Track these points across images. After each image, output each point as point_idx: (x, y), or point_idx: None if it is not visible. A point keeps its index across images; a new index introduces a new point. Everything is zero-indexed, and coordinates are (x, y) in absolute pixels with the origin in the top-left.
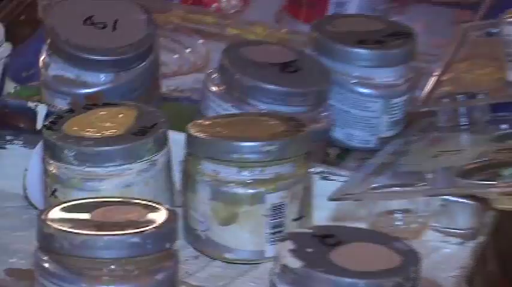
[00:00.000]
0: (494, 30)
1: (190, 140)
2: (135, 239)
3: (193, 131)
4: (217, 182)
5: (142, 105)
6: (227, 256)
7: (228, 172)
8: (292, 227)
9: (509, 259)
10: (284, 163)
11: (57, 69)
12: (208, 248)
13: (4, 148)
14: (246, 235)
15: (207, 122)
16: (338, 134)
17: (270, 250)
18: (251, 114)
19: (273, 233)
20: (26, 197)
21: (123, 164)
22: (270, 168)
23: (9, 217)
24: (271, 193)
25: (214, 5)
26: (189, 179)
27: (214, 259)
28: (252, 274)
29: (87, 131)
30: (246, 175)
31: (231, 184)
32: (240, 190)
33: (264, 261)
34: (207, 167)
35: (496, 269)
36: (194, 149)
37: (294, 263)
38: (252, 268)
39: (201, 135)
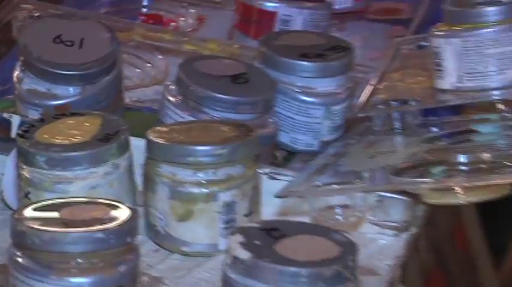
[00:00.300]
0: (424, 44)
1: (150, 145)
2: (100, 235)
3: (152, 136)
4: (174, 183)
5: (106, 115)
6: (184, 249)
7: (184, 174)
8: (243, 222)
9: (442, 251)
10: (235, 165)
11: (30, 83)
12: (167, 242)
13: None
14: (201, 230)
15: (165, 129)
16: (284, 138)
17: (223, 243)
18: (205, 122)
19: (226, 228)
20: (2, 199)
21: (89, 168)
22: (222, 169)
23: None
24: (224, 191)
25: (173, 24)
26: (149, 180)
27: (173, 252)
28: (207, 265)
29: (57, 139)
30: (200, 176)
31: (187, 184)
32: (195, 190)
33: (217, 253)
34: (165, 170)
35: (430, 260)
36: (154, 153)
37: (243, 254)
38: (207, 259)
39: (159, 140)
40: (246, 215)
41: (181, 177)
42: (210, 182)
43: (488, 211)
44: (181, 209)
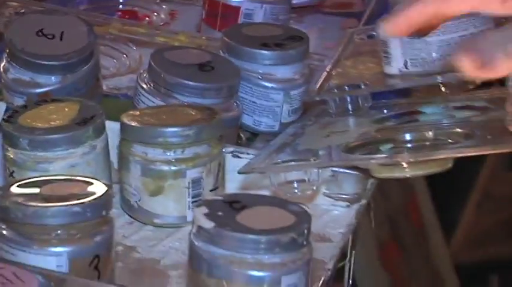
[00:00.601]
0: (374, 33)
1: (124, 128)
2: (77, 209)
3: (126, 120)
4: (146, 161)
5: (84, 101)
6: (156, 221)
7: (154, 153)
8: (209, 196)
9: (396, 224)
10: (201, 144)
11: (15, 73)
12: (141, 215)
13: None
14: (171, 204)
15: (138, 113)
16: (247, 120)
17: (190, 216)
18: (174, 106)
19: (193, 202)
20: None
21: (68, 149)
22: (189, 149)
23: None
24: (191, 169)
25: (147, 18)
26: (123, 159)
27: (146, 224)
28: (176, 235)
29: (38, 123)
30: (170, 154)
31: (158, 163)
32: (165, 167)
33: (186, 225)
34: (138, 149)
35: (385, 232)
36: (127, 134)
37: (207, 224)
38: (177, 230)
39: (132, 123)
40: (211, 190)
41: (152, 156)
42: (178, 160)
43: (439, 186)
44: (153, 185)
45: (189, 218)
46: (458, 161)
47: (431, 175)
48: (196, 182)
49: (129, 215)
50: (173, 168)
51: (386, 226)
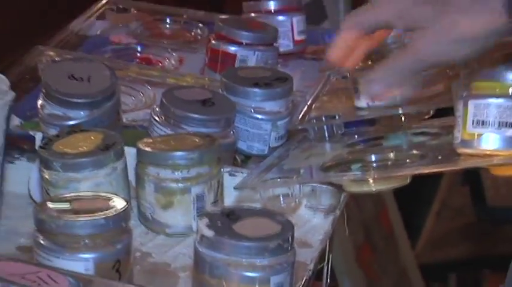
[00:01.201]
0: (347, 74)
1: (140, 152)
2: (101, 221)
3: (141, 146)
4: (158, 180)
5: (106, 131)
6: (167, 231)
7: (165, 173)
8: (209, 209)
9: (370, 230)
10: (203, 166)
11: (50, 109)
12: (154, 226)
13: (13, 163)
14: (179, 216)
15: (151, 140)
16: (242, 145)
17: (195, 226)
18: (181, 134)
19: (198, 214)
20: (30, 196)
21: (94, 170)
22: (193, 169)
23: (18, 209)
24: (195, 186)
25: (159, 64)
26: (139, 179)
27: (159, 233)
28: (184, 243)
29: (69, 149)
30: (177, 174)
31: (168, 181)
32: (174, 185)
33: (192, 233)
34: (151, 170)
35: (360, 237)
36: (142, 158)
37: (209, 233)
38: (185, 238)
39: (146, 148)
40: (212, 203)
41: (163, 176)
42: (184, 179)
43: (405, 198)
44: (164, 200)
45: (195, 228)
46: (420, 177)
47: (398, 189)
48: (200, 197)
49: (144, 225)
50: (180, 185)
51: (362, 231)
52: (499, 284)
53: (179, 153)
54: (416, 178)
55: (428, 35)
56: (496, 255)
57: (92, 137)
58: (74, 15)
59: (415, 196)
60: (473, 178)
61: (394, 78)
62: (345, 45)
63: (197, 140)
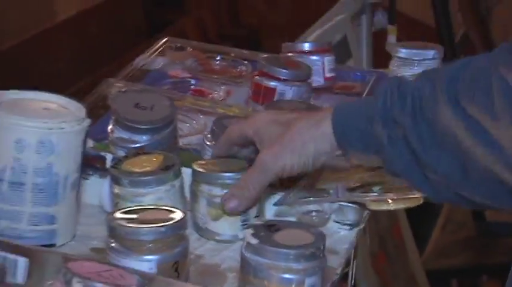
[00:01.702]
0: None
1: (195, 173)
2: (162, 229)
3: (196, 167)
4: (210, 196)
5: (166, 153)
6: (217, 238)
7: (216, 190)
8: (253, 221)
9: (384, 239)
10: None
11: (118, 133)
12: (206, 234)
13: (87, 179)
14: (227, 226)
15: (204, 162)
16: None
17: (241, 234)
18: (229, 158)
19: (243, 225)
20: (102, 206)
21: (156, 187)
22: None
23: (91, 217)
24: None
25: (210, 95)
26: (194, 194)
27: (209, 240)
28: (231, 248)
29: (135, 168)
30: (226, 191)
31: (217, 197)
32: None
33: (237, 241)
34: (204, 188)
35: (376, 245)
36: (197, 177)
37: (253, 241)
38: (232, 245)
39: (200, 169)
40: (255, 217)
41: (214, 192)
42: None
43: (415, 214)
44: (214, 213)
45: (240, 236)
46: None
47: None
48: (245, 211)
49: (198, 233)
50: None
51: (377, 241)
52: None
53: (227, 174)
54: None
55: (273, 149)
56: (493, 264)
57: (154, 159)
58: (134, 49)
59: (423, 212)
60: None
61: (247, 193)
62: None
63: (243, 164)
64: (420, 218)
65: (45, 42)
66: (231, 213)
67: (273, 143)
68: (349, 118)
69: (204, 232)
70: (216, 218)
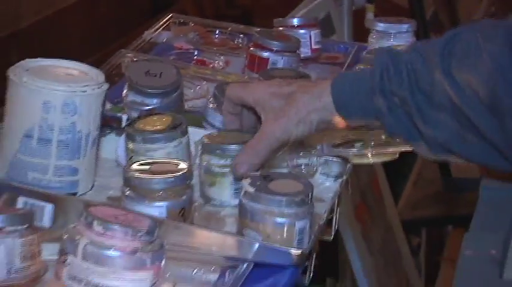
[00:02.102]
0: None
1: (201, 143)
2: (171, 179)
3: (204, 138)
4: (208, 164)
5: (174, 114)
6: (212, 202)
7: (214, 160)
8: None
9: (364, 192)
10: None
11: (132, 97)
12: (204, 197)
13: (105, 137)
14: (221, 193)
15: (214, 135)
16: None
17: (233, 201)
18: (234, 131)
19: (235, 192)
20: (117, 160)
21: (166, 143)
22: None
23: (108, 170)
24: None
25: (211, 65)
26: (200, 163)
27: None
28: (226, 210)
29: (147, 127)
30: (221, 162)
31: (215, 166)
32: (217, 169)
33: (230, 206)
34: (205, 157)
35: (357, 197)
36: (202, 147)
37: (250, 189)
38: (225, 207)
39: (205, 140)
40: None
41: (212, 162)
42: (225, 166)
43: (391, 170)
44: (210, 180)
45: (232, 203)
46: (402, 155)
47: (386, 164)
48: (236, 180)
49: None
50: (222, 170)
51: (358, 194)
52: (459, 238)
53: (225, 146)
54: (400, 156)
55: (280, 122)
56: (458, 215)
57: (164, 119)
58: (139, 28)
59: (398, 170)
60: None
61: (255, 159)
62: (229, 112)
63: (246, 138)
64: (396, 175)
65: (59, 22)
66: (240, 177)
67: (278, 115)
68: (348, 91)
69: (202, 196)
70: (211, 185)
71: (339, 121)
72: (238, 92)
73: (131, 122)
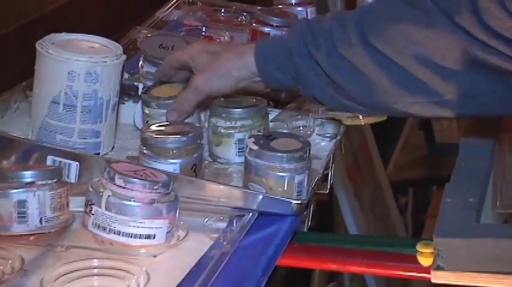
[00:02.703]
0: None
1: (210, 107)
2: (184, 139)
3: (213, 102)
4: (215, 126)
5: (186, 83)
6: (218, 161)
7: (220, 122)
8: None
9: (356, 155)
10: (247, 120)
11: (146, 68)
12: (211, 156)
13: (124, 103)
14: (226, 151)
15: (222, 99)
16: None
17: (237, 159)
18: (246, 97)
19: (238, 151)
20: (135, 124)
21: None
22: (239, 121)
23: (126, 133)
24: (237, 133)
25: (218, 40)
26: (208, 125)
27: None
28: (232, 167)
29: (161, 94)
30: (227, 124)
31: (221, 128)
32: (223, 131)
33: (234, 163)
34: (212, 119)
35: (350, 159)
36: (210, 111)
37: (254, 147)
38: (232, 164)
39: (213, 105)
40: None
41: (218, 123)
42: (230, 128)
43: (380, 136)
44: (217, 139)
45: (235, 161)
46: (389, 121)
47: (376, 131)
48: (240, 141)
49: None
50: (227, 131)
51: (351, 156)
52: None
53: (230, 109)
54: (389, 123)
55: (204, 74)
56: (441, 177)
57: (176, 87)
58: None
59: (387, 137)
60: (426, 124)
61: (183, 108)
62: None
63: (251, 101)
64: (385, 141)
65: (78, 7)
66: (172, 123)
67: (204, 69)
68: (270, 52)
69: (210, 155)
70: (218, 145)
71: (259, 85)
72: (178, 53)
73: (147, 90)
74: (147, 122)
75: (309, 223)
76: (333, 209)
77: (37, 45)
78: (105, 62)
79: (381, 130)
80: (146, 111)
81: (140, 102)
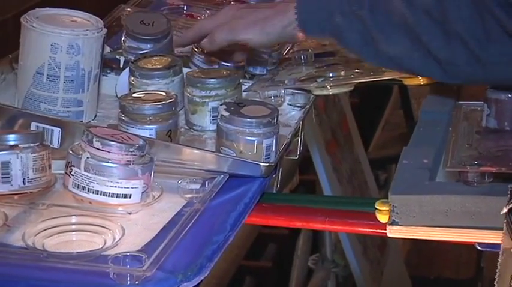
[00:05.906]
0: None
1: (186, 77)
2: (160, 106)
3: (189, 73)
4: (190, 95)
5: (174, 57)
6: (194, 128)
7: (195, 92)
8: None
9: (335, 130)
10: (220, 89)
11: (129, 43)
12: (188, 124)
13: (106, 76)
14: (201, 119)
15: (197, 71)
16: (250, 69)
17: (211, 127)
18: (219, 69)
19: (212, 119)
20: (116, 95)
21: (161, 79)
22: (213, 91)
23: (108, 104)
24: (211, 101)
25: (198, 18)
26: (185, 95)
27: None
28: (206, 133)
29: (148, 65)
30: (202, 93)
31: (196, 97)
32: (198, 99)
33: (208, 131)
34: (188, 89)
35: (329, 135)
36: (186, 81)
37: (225, 113)
38: (206, 132)
39: (189, 75)
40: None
41: (194, 93)
42: (205, 97)
43: (361, 114)
44: (192, 108)
45: (209, 128)
46: (372, 101)
47: (356, 106)
48: (214, 109)
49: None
50: (202, 100)
51: (330, 131)
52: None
53: (204, 79)
54: (369, 103)
55: (247, 21)
56: None
57: (164, 60)
58: None
59: (369, 116)
60: (406, 105)
61: (212, 41)
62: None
63: (225, 73)
64: (368, 121)
65: None
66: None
67: (248, 19)
68: (310, 10)
69: (187, 123)
70: (193, 113)
71: (300, 36)
72: (210, 19)
73: (136, 60)
74: (130, 90)
75: (278, 185)
76: (315, 185)
77: (22, 20)
78: (86, 35)
79: (364, 113)
80: (131, 80)
81: (122, 74)
